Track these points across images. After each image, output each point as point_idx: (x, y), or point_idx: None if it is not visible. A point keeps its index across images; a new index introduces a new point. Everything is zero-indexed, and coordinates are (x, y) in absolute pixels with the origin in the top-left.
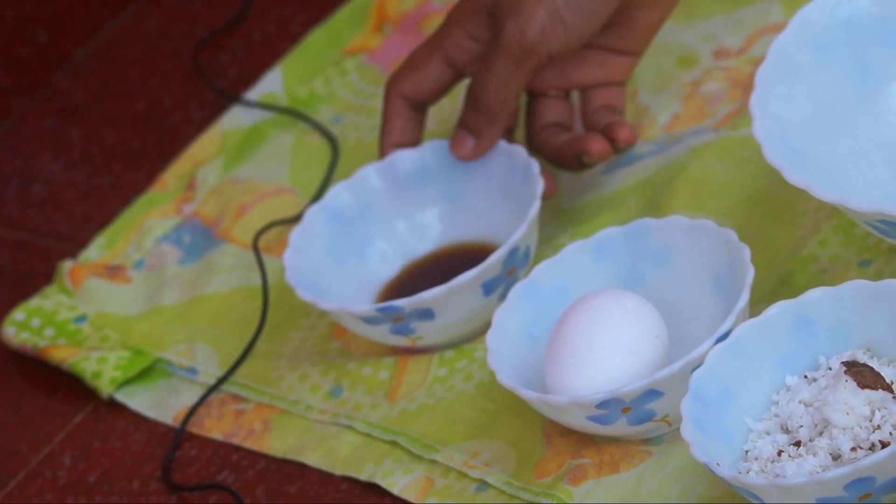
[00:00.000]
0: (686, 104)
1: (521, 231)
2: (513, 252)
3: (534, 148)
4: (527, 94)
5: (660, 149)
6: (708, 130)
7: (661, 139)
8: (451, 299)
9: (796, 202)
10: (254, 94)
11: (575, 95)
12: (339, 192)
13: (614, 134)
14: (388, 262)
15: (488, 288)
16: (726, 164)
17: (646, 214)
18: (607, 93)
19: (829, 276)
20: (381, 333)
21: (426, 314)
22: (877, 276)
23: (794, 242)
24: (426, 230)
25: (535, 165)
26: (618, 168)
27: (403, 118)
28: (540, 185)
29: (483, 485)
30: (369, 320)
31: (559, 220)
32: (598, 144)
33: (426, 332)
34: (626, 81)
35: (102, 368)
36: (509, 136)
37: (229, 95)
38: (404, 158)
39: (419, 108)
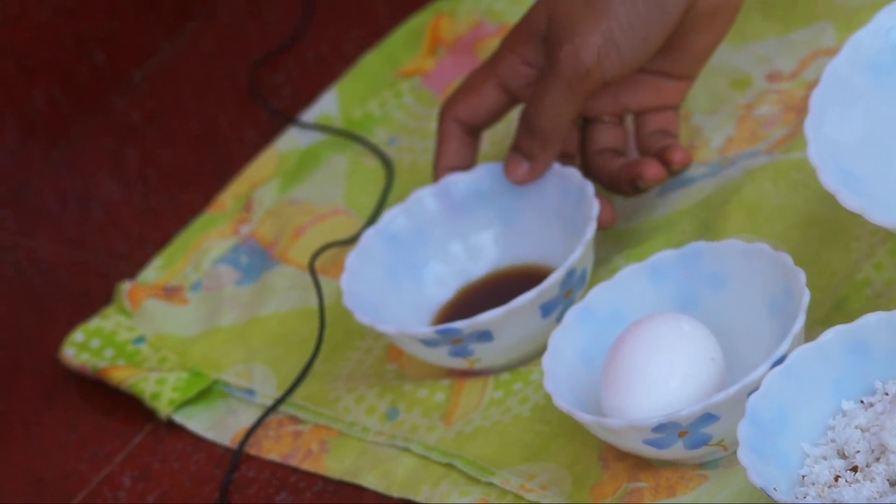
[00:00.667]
0: (739, 127)
1: (579, 253)
2: (570, 274)
3: (589, 173)
4: (581, 120)
5: (713, 171)
6: (761, 153)
7: (715, 162)
8: (509, 321)
9: (850, 226)
10: (310, 115)
11: (629, 120)
12: (394, 216)
13: (669, 157)
14: (444, 284)
15: (546, 310)
16: (780, 187)
17: (700, 237)
18: (661, 117)
19: (884, 301)
20: (440, 356)
21: (484, 336)
22: None
23: (849, 266)
24: (481, 252)
25: (589, 187)
26: (672, 190)
27: (457, 142)
28: (595, 207)
29: None
30: (428, 342)
31: (613, 242)
32: (652, 169)
33: (484, 354)
34: (680, 105)
35: (161, 389)
36: (568, 161)
37: (285, 116)
38: (458, 181)
39: (473, 132)
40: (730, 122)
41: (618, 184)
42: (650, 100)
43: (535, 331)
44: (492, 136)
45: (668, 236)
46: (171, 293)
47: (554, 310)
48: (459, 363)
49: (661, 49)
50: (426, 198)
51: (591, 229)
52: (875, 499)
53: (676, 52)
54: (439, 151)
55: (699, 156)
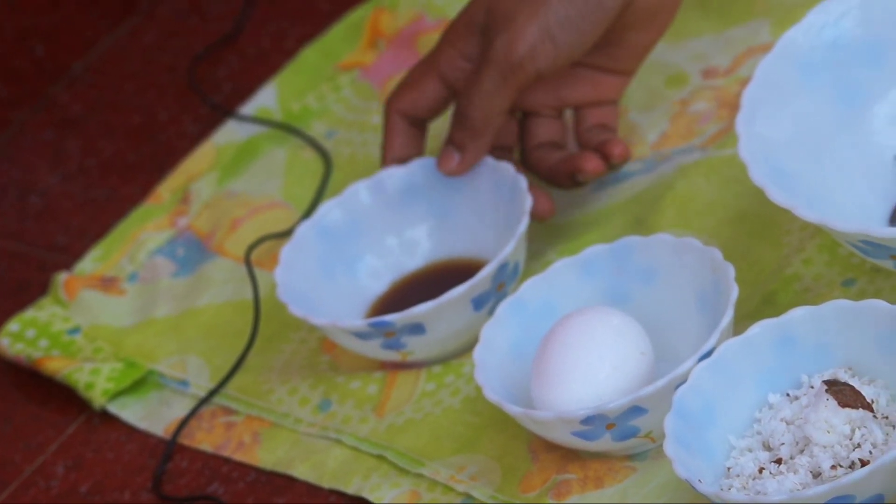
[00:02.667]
0: (674, 123)
1: (511, 247)
2: (502, 267)
3: (528, 167)
4: (521, 114)
5: (648, 167)
6: (695, 149)
7: (650, 157)
8: (441, 314)
9: (781, 221)
10: (248, 108)
11: (568, 114)
12: (329, 209)
13: (608, 151)
14: (378, 277)
15: (478, 303)
16: (713, 182)
17: (633, 232)
18: (600, 111)
19: (812, 295)
20: (372, 348)
21: (417, 329)
22: (860, 296)
23: (779, 261)
24: (416, 246)
25: (522, 181)
26: (606, 186)
27: (403, 134)
28: (528, 202)
29: (469, 498)
30: (361, 335)
31: (547, 236)
32: (591, 162)
33: (417, 347)
34: (619, 100)
35: (95, 380)
36: (507, 155)
37: (224, 110)
38: (393, 175)
39: (418, 124)
40: (665, 119)
41: (556, 177)
42: (589, 94)
43: (467, 324)
44: (433, 131)
45: (601, 231)
46: (107, 284)
47: (486, 303)
48: (392, 356)
49: (600, 44)
50: (361, 191)
51: (523, 223)
52: (797, 490)
53: (615, 47)
54: (386, 145)
55: (635, 152)
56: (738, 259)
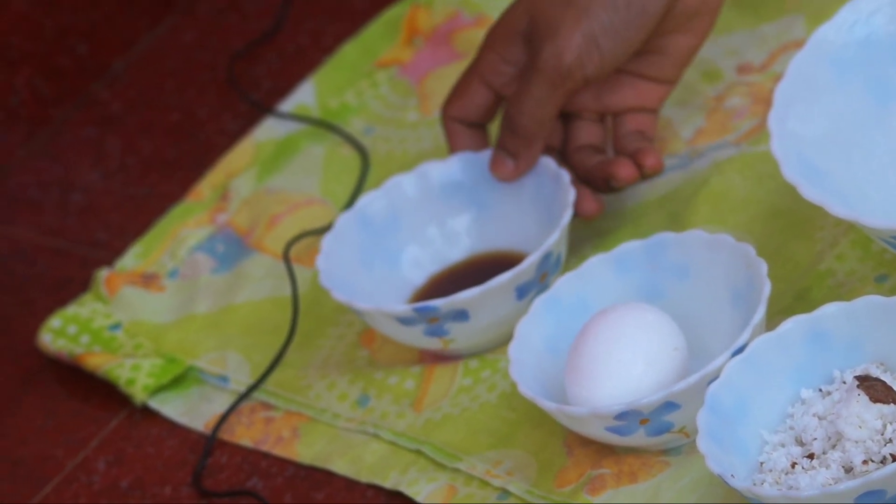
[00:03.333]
0: (709, 119)
1: (555, 237)
2: (546, 257)
3: (567, 168)
4: (562, 116)
5: (682, 163)
6: (730, 145)
7: (685, 153)
8: (485, 301)
9: (815, 217)
10: (287, 105)
11: (608, 119)
12: (371, 200)
13: (641, 160)
14: (420, 267)
15: (521, 292)
16: (747, 178)
17: (668, 228)
18: (639, 118)
19: (845, 291)
20: (415, 335)
21: (461, 315)
22: (893, 291)
23: (812, 257)
24: (458, 237)
25: (565, 175)
26: (642, 182)
27: (464, 137)
28: (571, 194)
29: (505, 493)
30: (404, 321)
31: (583, 232)
32: (626, 169)
33: (459, 335)
34: (659, 109)
35: (136, 375)
36: (551, 154)
37: (263, 107)
38: (435, 169)
39: (475, 126)
40: (700, 114)
41: (593, 180)
42: (630, 100)
43: (509, 313)
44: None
45: (636, 227)
46: (148, 280)
47: (529, 292)
48: (433, 343)
49: (643, 51)
50: (403, 182)
51: (567, 215)
52: (830, 485)
53: (657, 54)
54: (451, 150)
55: (669, 147)
56: (771, 255)
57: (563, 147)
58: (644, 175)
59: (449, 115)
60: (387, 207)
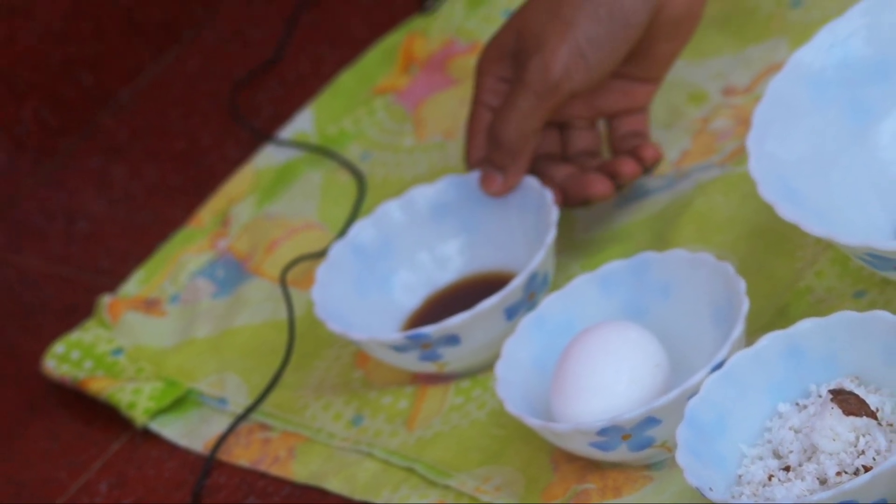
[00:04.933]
0: (695, 140)
1: (540, 257)
2: (532, 277)
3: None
4: (557, 126)
5: (669, 184)
6: (714, 166)
7: (671, 174)
8: (475, 324)
9: (795, 236)
10: (286, 132)
11: (601, 123)
12: (362, 228)
13: (641, 155)
14: (411, 292)
15: (511, 313)
16: (731, 198)
17: (653, 248)
18: (632, 119)
19: (825, 307)
20: (410, 361)
21: (452, 340)
22: (870, 307)
23: (793, 274)
24: (448, 261)
25: (548, 195)
26: (629, 202)
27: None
28: (554, 213)
29: None
30: (398, 348)
31: (572, 251)
32: (628, 166)
33: (452, 358)
34: (649, 106)
35: (137, 399)
36: (553, 162)
37: (264, 134)
38: (423, 193)
39: None
40: (686, 136)
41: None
42: (620, 103)
43: (500, 333)
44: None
45: (623, 247)
46: (150, 306)
47: (518, 312)
48: (428, 367)
49: (629, 56)
50: (392, 209)
51: (551, 234)
52: (805, 497)
53: (643, 58)
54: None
55: (656, 169)
56: (753, 273)
57: (563, 154)
58: (646, 168)
59: (474, 159)
60: (377, 234)
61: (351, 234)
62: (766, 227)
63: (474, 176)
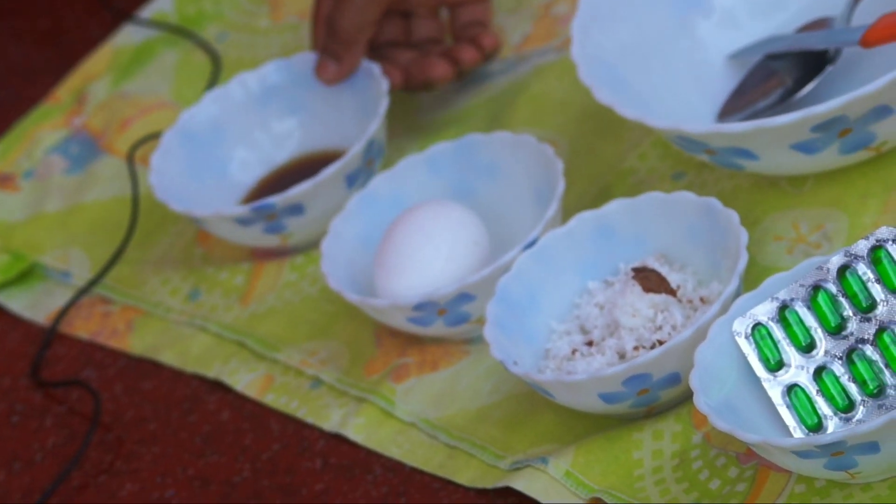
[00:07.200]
0: (537, 25)
1: (375, 125)
2: (370, 144)
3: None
4: (401, 14)
5: (508, 68)
6: (553, 50)
7: (511, 58)
8: (318, 193)
9: (624, 119)
10: (146, 12)
11: (444, 12)
12: (192, 113)
13: (480, 42)
14: (249, 169)
15: (351, 180)
16: (564, 82)
17: (489, 130)
18: (473, 8)
19: (645, 188)
20: (254, 234)
21: (297, 209)
22: (687, 188)
23: (617, 156)
24: (284, 140)
25: (375, 68)
26: (469, 86)
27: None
28: (384, 83)
29: (317, 382)
30: (243, 221)
31: (412, 133)
32: (468, 53)
33: (296, 228)
34: None
35: None
36: (396, 48)
37: (125, 14)
38: (252, 76)
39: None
40: (528, 21)
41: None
42: None
43: (342, 201)
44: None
45: (459, 129)
46: (4, 181)
47: (357, 180)
48: (273, 241)
49: None
50: (225, 92)
51: (384, 104)
52: (602, 370)
53: None
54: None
55: (496, 56)
56: (582, 154)
57: (406, 42)
58: (487, 55)
59: (318, 46)
60: (210, 118)
61: (180, 122)
62: (596, 111)
63: (302, 58)
